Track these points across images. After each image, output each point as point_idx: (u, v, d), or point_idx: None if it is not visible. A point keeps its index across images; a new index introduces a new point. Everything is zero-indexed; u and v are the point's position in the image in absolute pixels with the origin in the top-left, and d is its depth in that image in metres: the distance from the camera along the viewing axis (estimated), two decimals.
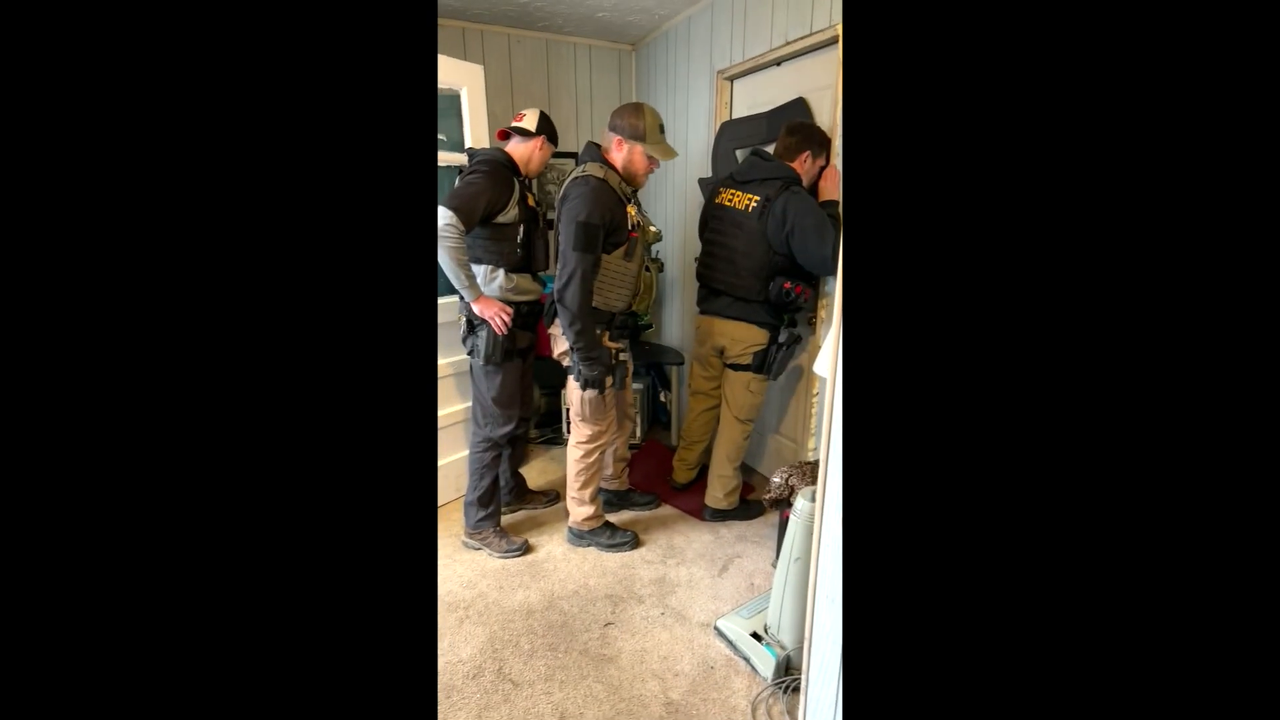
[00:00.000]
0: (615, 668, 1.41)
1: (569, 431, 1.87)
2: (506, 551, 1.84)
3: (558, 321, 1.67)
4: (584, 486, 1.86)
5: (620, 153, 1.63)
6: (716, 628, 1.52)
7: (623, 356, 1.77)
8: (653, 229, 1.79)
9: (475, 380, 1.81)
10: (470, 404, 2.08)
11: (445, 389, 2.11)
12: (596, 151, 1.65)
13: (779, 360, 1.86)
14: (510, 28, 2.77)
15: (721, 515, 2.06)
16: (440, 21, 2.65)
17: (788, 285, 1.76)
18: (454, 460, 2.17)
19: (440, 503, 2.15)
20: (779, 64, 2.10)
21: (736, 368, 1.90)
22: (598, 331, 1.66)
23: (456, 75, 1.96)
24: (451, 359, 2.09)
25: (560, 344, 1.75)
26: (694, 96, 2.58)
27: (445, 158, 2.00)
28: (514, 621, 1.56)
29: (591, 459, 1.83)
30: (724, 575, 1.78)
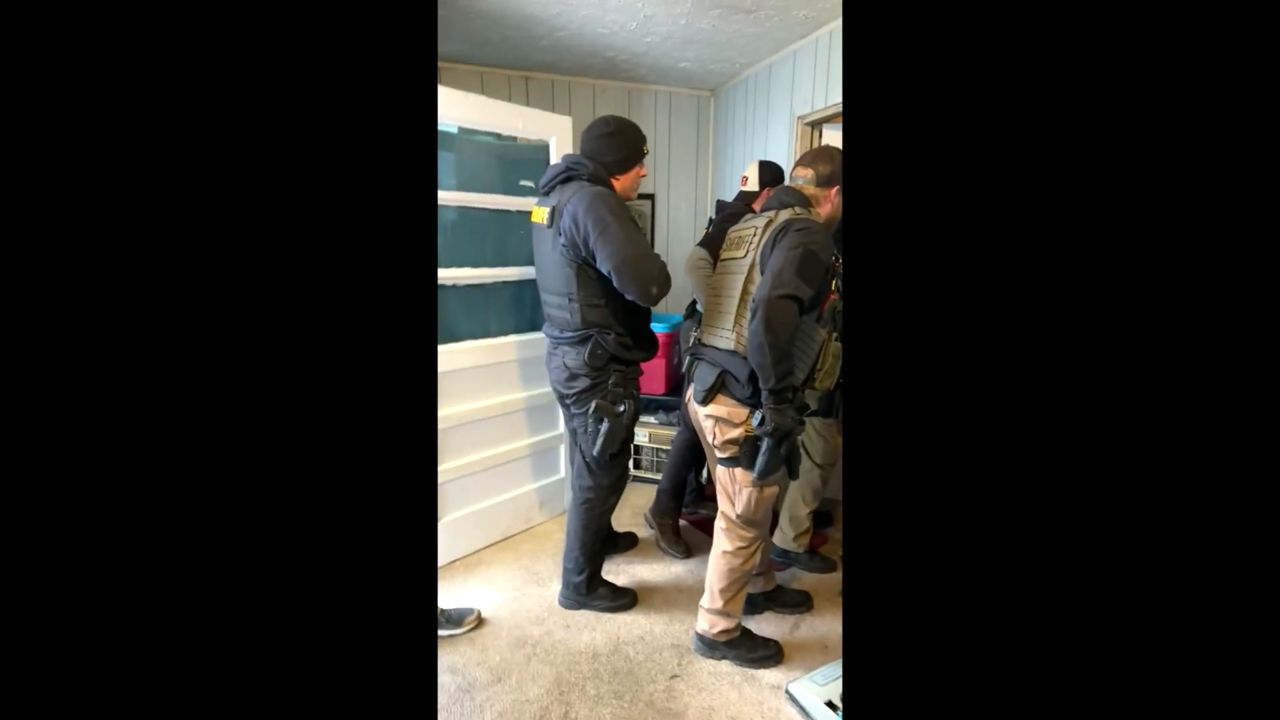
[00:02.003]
0: None
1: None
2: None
3: (719, 399, 1.40)
4: (732, 599, 1.53)
5: (831, 204, 1.43)
6: (788, 692, 1.45)
7: (799, 440, 1.43)
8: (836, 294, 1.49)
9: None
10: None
11: (533, 417, 2.19)
12: (801, 198, 1.42)
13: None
14: (596, 79, 2.93)
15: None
16: (532, 74, 2.84)
17: None
18: (529, 490, 2.23)
19: (511, 532, 2.20)
20: None
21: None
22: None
23: (546, 126, 2.08)
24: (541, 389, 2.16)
25: (720, 430, 1.42)
26: (773, 141, 2.61)
27: (531, 203, 2.11)
28: (580, 664, 1.56)
29: (750, 564, 1.52)
30: (795, 633, 1.70)
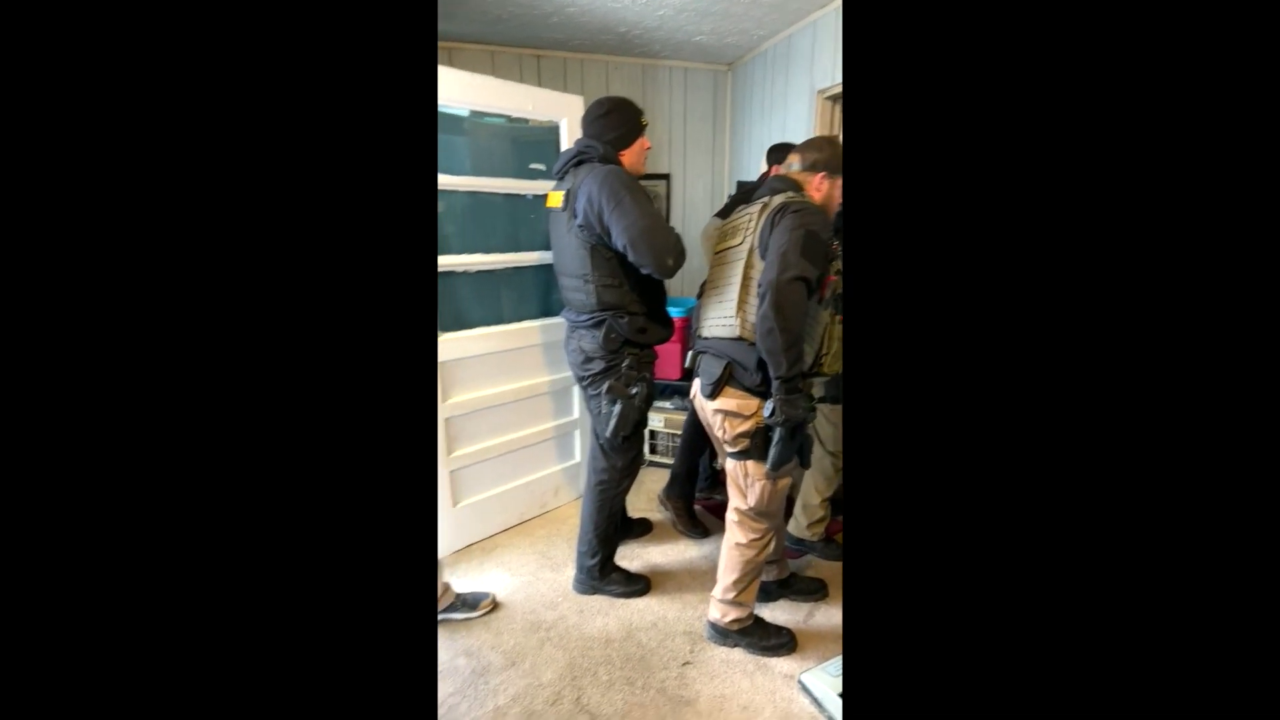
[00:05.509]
0: (693, 712, 1.38)
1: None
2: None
3: (728, 391, 1.37)
4: (745, 590, 1.52)
5: (823, 190, 1.38)
6: (801, 682, 1.44)
7: (810, 427, 1.40)
8: (837, 276, 1.48)
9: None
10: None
11: (554, 401, 2.19)
12: (793, 184, 1.39)
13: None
14: (610, 55, 2.85)
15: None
16: (543, 53, 2.77)
17: None
18: (546, 474, 2.24)
19: (527, 516, 2.22)
20: None
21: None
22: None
23: (557, 107, 2.03)
24: (555, 375, 2.16)
25: (730, 424, 1.39)
26: (792, 117, 2.52)
27: (544, 186, 2.08)
28: (593, 649, 1.57)
29: (763, 555, 1.50)
30: (809, 621, 1.69)
